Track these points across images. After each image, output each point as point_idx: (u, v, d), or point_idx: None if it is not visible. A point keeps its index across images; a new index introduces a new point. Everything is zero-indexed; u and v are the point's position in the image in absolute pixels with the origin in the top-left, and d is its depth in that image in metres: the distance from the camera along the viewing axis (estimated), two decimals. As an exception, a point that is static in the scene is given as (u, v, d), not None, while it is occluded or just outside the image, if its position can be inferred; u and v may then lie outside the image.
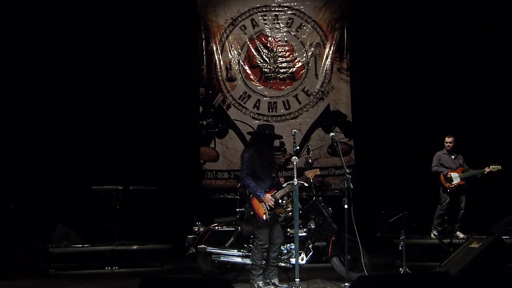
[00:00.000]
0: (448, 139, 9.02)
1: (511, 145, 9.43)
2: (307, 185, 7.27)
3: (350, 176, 6.80)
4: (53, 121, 9.94)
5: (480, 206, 9.03)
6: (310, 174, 6.85)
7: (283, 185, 6.76)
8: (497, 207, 8.92)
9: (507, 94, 9.64)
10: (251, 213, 6.55)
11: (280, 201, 6.62)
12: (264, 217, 6.47)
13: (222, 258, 7.10)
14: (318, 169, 7.11)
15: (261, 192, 6.50)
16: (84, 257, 9.26)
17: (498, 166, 8.57)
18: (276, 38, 10.69)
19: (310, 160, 7.69)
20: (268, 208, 6.48)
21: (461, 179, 8.82)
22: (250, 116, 10.57)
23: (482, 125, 9.67)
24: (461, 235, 8.38)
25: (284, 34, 10.69)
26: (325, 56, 10.61)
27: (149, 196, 9.57)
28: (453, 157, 9.01)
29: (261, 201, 6.50)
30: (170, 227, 9.58)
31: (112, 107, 10.14)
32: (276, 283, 6.62)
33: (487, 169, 8.62)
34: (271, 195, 6.54)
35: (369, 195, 9.51)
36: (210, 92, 10.63)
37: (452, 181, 8.84)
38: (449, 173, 8.86)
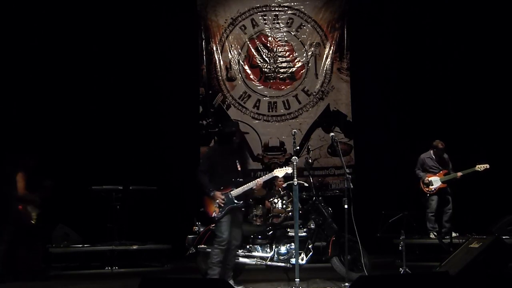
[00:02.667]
0: (440, 144, 8.86)
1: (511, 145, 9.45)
2: (307, 184, 7.25)
3: (350, 176, 6.79)
4: (53, 121, 9.94)
5: (480, 206, 9.03)
6: (279, 172, 6.54)
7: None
8: (497, 207, 8.91)
9: (508, 95, 9.65)
10: (201, 209, 6.54)
11: (235, 200, 6.40)
12: (214, 214, 6.39)
13: (222, 258, 7.09)
14: (288, 167, 6.51)
15: (210, 190, 6.40)
16: (84, 257, 9.26)
17: (485, 165, 8.47)
18: (276, 38, 10.69)
19: (310, 160, 7.68)
20: (218, 205, 6.36)
21: (443, 182, 8.82)
22: (250, 116, 10.57)
23: (482, 125, 9.67)
24: (454, 234, 8.41)
25: (284, 34, 10.70)
26: (325, 56, 10.61)
27: (149, 196, 9.57)
28: (436, 160, 8.97)
29: (212, 198, 6.40)
30: (170, 227, 9.58)
31: (112, 107, 10.14)
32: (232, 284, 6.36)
33: (458, 175, 8.61)
34: (226, 193, 6.40)
35: (369, 195, 9.51)
36: (210, 92, 10.64)
37: (432, 185, 8.83)
38: (427, 178, 8.86)
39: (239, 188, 6.43)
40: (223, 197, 6.38)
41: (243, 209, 6.66)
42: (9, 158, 7.97)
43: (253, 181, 6.45)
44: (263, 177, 6.47)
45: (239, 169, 6.54)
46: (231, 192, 6.42)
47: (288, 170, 6.46)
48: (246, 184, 6.48)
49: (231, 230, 6.43)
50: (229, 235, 6.38)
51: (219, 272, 6.38)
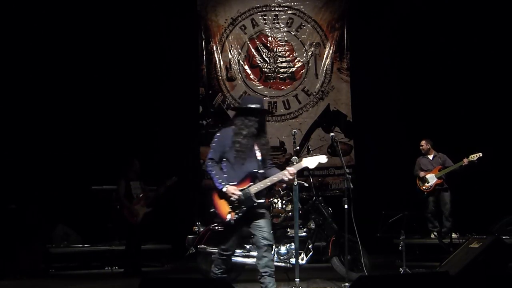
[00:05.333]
0: (421, 143, 9.09)
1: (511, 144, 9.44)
2: (307, 184, 7.24)
3: (350, 176, 6.78)
4: (53, 121, 9.95)
5: (480, 206, 9.04)
6: (308, 161, 5.40)
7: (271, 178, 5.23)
8: (497, 207, 8.92)
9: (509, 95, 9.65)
10: (211, 210, 5.23)
11: (255, 198, 5.11)
12: (228, 218, 5.10)
13: (222, 258, 7.08)
14: (321, 156, 5.50)
15: (220, 183, 5.10)
16: (84, 257, 9.26)
17: (478, 154, 8.43)
18: (276, 38, 10.70)
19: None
20: (232, 206, 5.11)
21: (438, 178, 8.85)
22: (250, 116, 10.55)
23: (483, 125, 9.67)
24: (454, 234, 8.43)
25: (284, 34, 10.70)
26: (325, 56, 10.62)
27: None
28: (431, 157, 9.07)
29: (222, 195, 5.13)
30: (170, 227, 9.57)
31: (112, 107, 10.14)
32: None
33: (465, 161, 8.52)
34: (243, 189, 5.13)
35: (369, 195, 9.51)
36: (210, 92, 10.64)
37: (428, 182, 8.90)
38: (422, 173, 8.97)
39: (260, 183, 5.16)
40: (239, 192, 5.08)
41: (262, 210, 5.22)
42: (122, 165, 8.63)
43: (280, 173, 5.20)
44: (292, 167, 5.24)
45: (259, 158, 5.24)
46: (250, 189, 5.13)
47: (322, 159, 5.38)
48: (269, 176, 5.19)
49: (263, 231, 5.14)
50: (234, 242, 5.23)
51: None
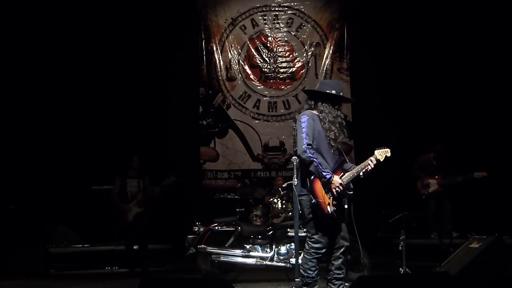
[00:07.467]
0: (443, 151, 8.93)
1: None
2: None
3: (350, 176, 6.76)
4: (53, 121, 9.95)
5: (480, 206, 9.03)
6: (379, 154, 5.65)
7: (351, 167, 5.23)
8: (497, 207, 8.91)
9: (509, 96, 9.64)
10: (313, 201, 5.00)
11: (347, 189, 5.11)
12: (329, 209, 5.00)
13: (222, 258, 7.10)
14: (387, 149, 5.66)
15: (328, 173, 4.94)
16: (84, 257, 9.26)
17: (483, 173, 8.38)
18: (276, 38, 10.69)
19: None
20: (334, 196, 5.00)
21: (439, 186, 8.85)
22: (250, 116, 10.57)
23: (483, 125, 9.66)
24: (454, 234, 8.43)
25: (284, 34, 10.70)
26: (325, 56, 10.61)
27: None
28: (435, 163, 9.03)
29: (327, 185, 4.97)
30: (170, 227, 9.57)
31: (112, 107, 10.15)
32: None
33: (471, 176, 8.49)
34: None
35: (369, 195, 9.50)
36: (210, 92, 10.64)
37: (429, 187, 8.92)
38: (427, 180, 8.94)
39: (348, 173, 5.16)
40: (343, 184, 5.00)
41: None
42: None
43: (364, 162, 5.26)
44: (372, 157, 5.40)
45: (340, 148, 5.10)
46: (343, 178, 5.08)
47: (388, 153, 5.55)
48: (357, 166, 5.18)
49: (337, 230, 5.06)
50: (330, 239, 5.05)
51: None
